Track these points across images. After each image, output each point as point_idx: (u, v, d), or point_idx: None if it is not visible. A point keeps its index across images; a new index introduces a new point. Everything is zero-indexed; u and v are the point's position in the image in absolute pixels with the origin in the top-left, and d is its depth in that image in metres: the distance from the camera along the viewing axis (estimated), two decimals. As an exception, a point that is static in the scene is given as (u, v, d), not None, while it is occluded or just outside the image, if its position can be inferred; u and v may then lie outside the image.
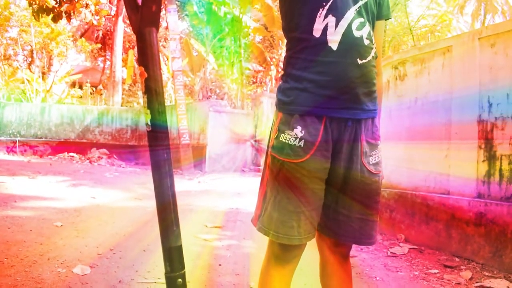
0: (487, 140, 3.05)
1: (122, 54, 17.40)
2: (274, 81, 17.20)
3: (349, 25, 1.16)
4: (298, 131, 1.18)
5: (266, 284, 1.29)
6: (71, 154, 12.12)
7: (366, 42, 1.19)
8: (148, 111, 1.01)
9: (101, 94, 19.30)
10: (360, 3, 1.19)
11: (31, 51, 17.29)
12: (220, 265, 2.71)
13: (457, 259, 3.03)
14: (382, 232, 3.81)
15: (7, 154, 11.85)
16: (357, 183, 1.23)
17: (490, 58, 3.08)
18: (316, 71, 1.17)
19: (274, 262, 1.28)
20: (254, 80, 20.69)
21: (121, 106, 16.23)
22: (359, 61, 1.17)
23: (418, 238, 3.48)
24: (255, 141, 10.91)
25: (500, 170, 2.94)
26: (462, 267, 2.86)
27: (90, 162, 10.99)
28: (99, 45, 21.27)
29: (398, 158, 3.85)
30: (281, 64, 14.91)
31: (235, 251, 3.09)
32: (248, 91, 17.10)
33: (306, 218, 1.19)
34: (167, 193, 1.02)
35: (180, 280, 1.02)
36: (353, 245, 1.38)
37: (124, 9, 14.09)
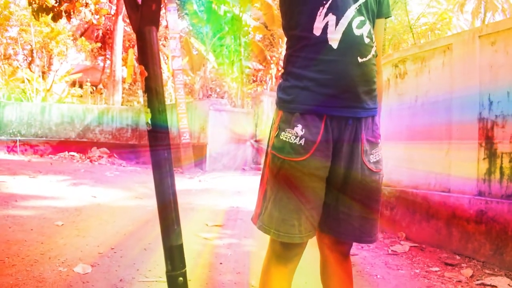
0: (487, 138, 3.05)
1: (122, 53, 17.39)
2: (274, 80, 17.19)
3: (350, 24, 1.16)
4: (299, 129, 1.18)
5: (267, 283, 1.29)
6: (72, 153, 12.12)
7: (367, 40, 1.19)
8: (149, 110, 1.00)
9: (101, 93, 19.30)
10: (360, 2, 1.18)
11: (31, 50, 17.27)
12: (221, 263, 2.72)
13: (458, 257, 3.03)
14: (383, 230, 3.81)
15: (8, 154, 11.86)
16: (358, 182, 1.23)
17: (490, 56, 3.07)
18: (316, 69, 1.17)
19: (275, 260, 1.28)
20: (254, 79, 20.69)
21: (122, 105, 16.22)
22: (360, 60, 1.17)
23: (419, 236, 3.48)
24: (255, 140, 10.91)
25: (501, 168, 2.94)
26: (463, 265, 2.86)
27: (91, 161, 10.99)
28: (99, 44, 21.23)
29: (399, 156, 3.85)
30: (281, 63, 14.92)
31: (236, 249, 3.10)
32: (248, 89, 17.10)
33: (306, 217, 1.19)
34: (168, 192, 1.02)
35: (181, 278, 1.02)
36: (354, 243, 1.38)
37: (124, 8, 14.07)
